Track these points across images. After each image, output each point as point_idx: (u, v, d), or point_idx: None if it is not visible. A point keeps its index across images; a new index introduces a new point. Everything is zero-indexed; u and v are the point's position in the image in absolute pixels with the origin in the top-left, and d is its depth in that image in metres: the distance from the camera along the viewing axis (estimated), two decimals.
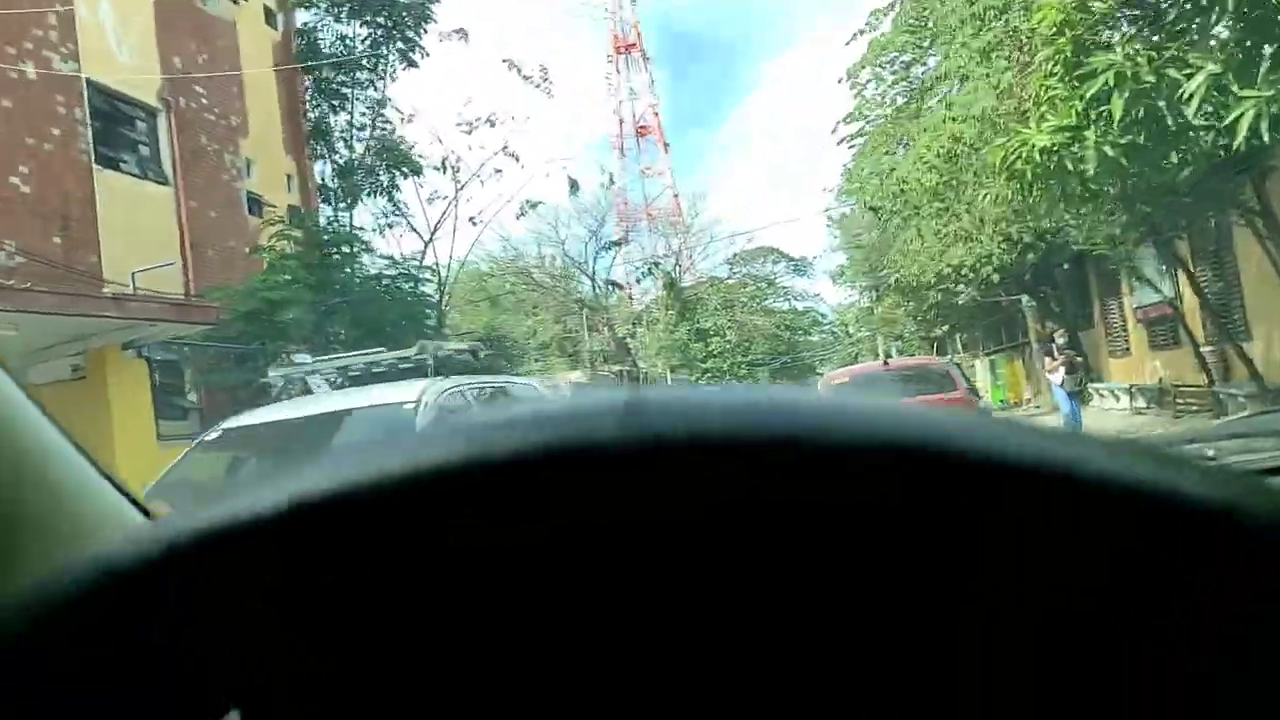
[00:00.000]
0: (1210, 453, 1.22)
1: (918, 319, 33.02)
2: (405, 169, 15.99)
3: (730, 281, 52.01)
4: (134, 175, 12.59)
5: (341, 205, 16.40)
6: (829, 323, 72.07)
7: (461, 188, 19.55)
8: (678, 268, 43.76)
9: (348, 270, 14.40)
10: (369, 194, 16.03)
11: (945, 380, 8.99)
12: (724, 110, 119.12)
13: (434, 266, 19.52)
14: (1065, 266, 19.04)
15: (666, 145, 75.52)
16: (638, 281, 45.86)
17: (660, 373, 38.59)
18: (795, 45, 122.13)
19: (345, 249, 14.36)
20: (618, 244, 39.32)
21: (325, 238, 13.83)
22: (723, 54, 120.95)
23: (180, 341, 11.19)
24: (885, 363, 9.12)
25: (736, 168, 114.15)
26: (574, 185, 19.99)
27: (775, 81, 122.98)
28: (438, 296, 19.54)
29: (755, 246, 53.07)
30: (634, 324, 40.96)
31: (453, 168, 19.11)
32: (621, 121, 75.05)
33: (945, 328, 30.89)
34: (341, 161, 15.69)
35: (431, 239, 19.47)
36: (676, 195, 55.97)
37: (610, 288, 27.18)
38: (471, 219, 19.72)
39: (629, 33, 75.20)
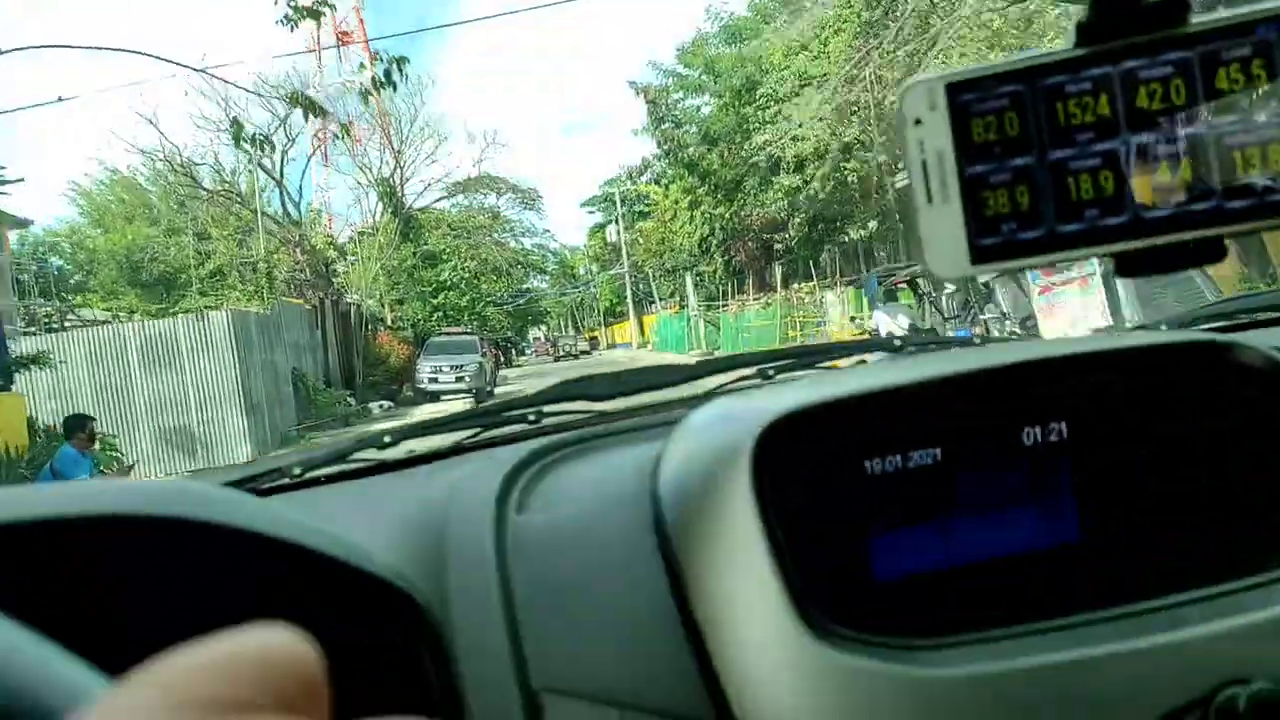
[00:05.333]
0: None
1: (734, 237, 25.44)
2: None
3: (451, 211, 42.87)
4: None
5: None
6: (557, 262, 64.17)
7: None
8: (397, 175, 33.75)
9: None
10: None
11: None
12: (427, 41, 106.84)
13: None
14: None
15: (374, 56, 63.88)
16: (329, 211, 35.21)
17: (377, 306, 28.84)
18: None
19: None
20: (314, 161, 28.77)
21: None
22: None
23: None
24: None
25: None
26: None
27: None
28: None
29: (476, 176, 44.10)
30: (339, 250, 30.62)
31: None
32: (319, 23, 62.20)
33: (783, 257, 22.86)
34: None
35: None
36: (385, 112, 45.15)
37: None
38: None
39: None
